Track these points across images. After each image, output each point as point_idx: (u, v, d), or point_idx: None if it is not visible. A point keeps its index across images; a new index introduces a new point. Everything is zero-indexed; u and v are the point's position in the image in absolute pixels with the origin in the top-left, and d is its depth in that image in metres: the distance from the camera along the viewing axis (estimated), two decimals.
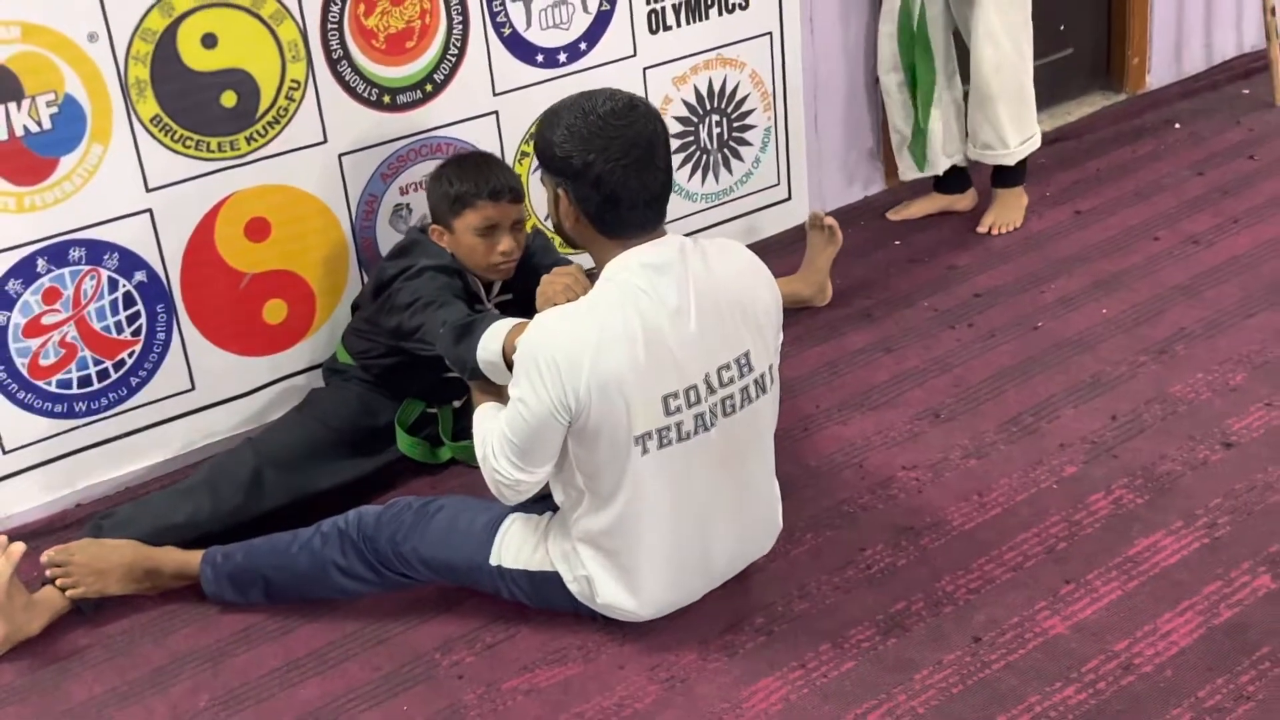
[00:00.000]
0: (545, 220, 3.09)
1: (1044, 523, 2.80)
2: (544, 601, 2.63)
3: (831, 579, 2.70)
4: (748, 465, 2.57)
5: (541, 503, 2.65)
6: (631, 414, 2.38)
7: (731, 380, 2.47)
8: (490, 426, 2.50)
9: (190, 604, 2.81)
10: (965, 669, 2.45)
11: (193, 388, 3.25)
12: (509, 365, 2.54)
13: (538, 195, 3.45)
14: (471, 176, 2.98)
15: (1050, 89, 4.59)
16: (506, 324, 2.63)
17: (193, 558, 2.80)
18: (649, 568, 2.52)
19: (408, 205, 3.41)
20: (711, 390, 2.45)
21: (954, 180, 4.12)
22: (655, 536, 2.50)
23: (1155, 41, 4.80)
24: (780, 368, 2.62)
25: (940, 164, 4.03)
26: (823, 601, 2.65)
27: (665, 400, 2.41)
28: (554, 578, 2.58)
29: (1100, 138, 4.56)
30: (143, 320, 3.15)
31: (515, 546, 2.61)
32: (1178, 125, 4.58)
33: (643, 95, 3.53)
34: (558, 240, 3.05)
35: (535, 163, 2.63)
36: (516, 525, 2.63)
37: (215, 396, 3.28)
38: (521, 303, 2.96)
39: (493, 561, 2.61)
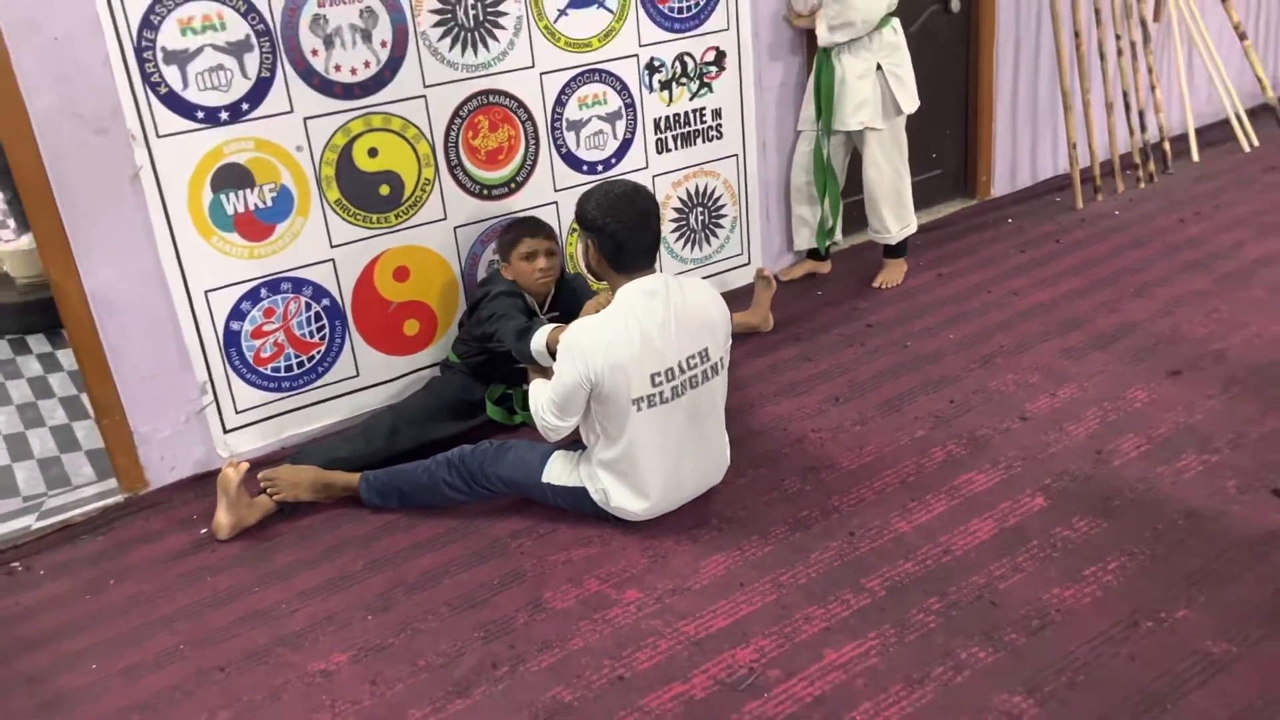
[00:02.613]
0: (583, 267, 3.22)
1: (900, 465, 2.89)
2: (577, 507, 2.73)
3: (761, 498, 2.80)
4: (706, 422, 2.66)
5: (575, 445, 2.77)
6: (631, 385, 2.50)
7: (695, 365, 2.58)
8: (540, 392, 2.63)
9: (352, 509, 2.91)
10: (842, 552, 2.56)
11: (357, 375, 3.32)
12: (551, 354, 2.67)
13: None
14: (519, 225, 3.12)
15: (926, 196, 4.67)
16: (549, 328, 2.77)
17: (354, 477, 2.90)
18: (644, 483, 2.62)
19: (496, 260, 3.45)
20: (682, 371, 2.56)
21: (821, 252, 4.18)
22: (647, 463, 2.60)
23: (997, 165, 4.84)
24: (731, 365, 2.69)
25: (814, 242, 4.13)
26: (755, 511, 2.75)
27: (652, 377, 2.52)
28: (583, 491, 2.69)
29: (958, 228, 4.60)
30: (327, 330, 3.23)
31: (559, 471, 2.72)
32: (1010, 220, 4.63)
33: (649, 188, 3.71)
34: (590, 280, 3.24)
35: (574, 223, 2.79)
36: (559, 457, 2.74)
37: (371, 381, 3.35)
38: (564, 318, 3.07)
39: (544, 480, 2.72)
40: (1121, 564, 2.45)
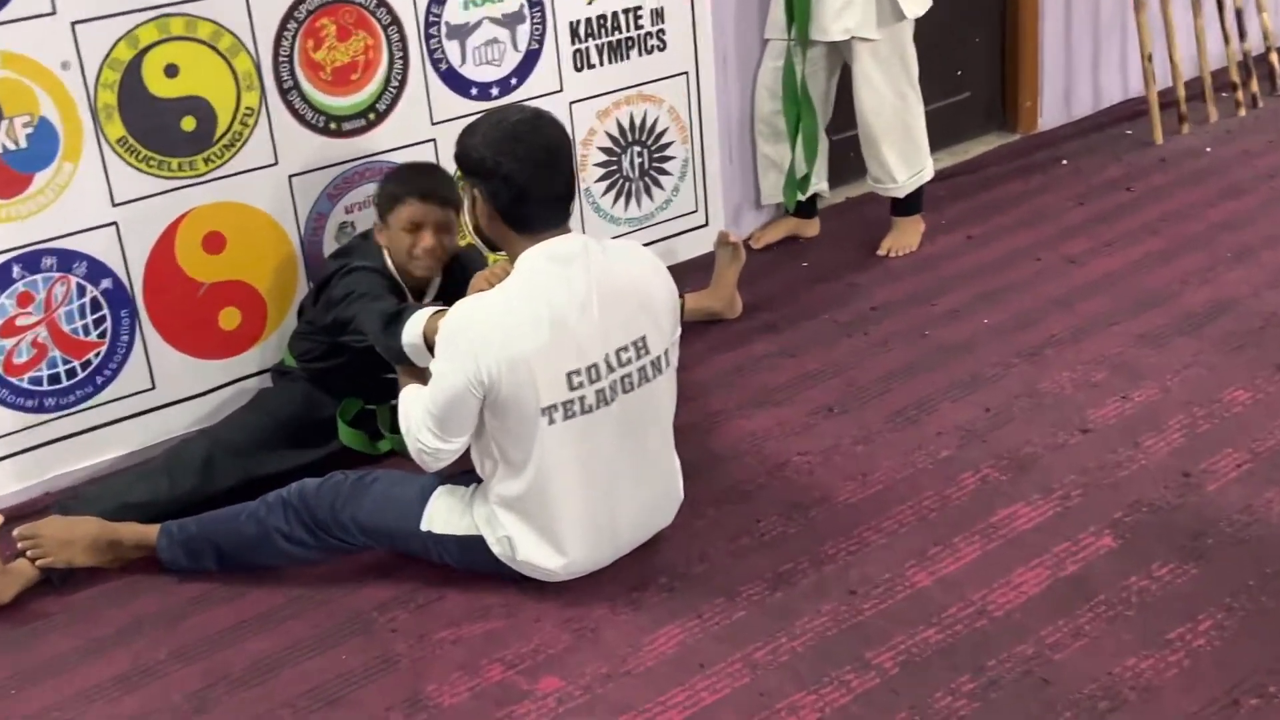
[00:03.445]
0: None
1: (918, 497, 2.95)
2: (470, 563, 2.74)
3: (729, 545, 2.84)
4: (647, 438, 2.70)
5: (467, 475, 2.77)
6: (538, 388, 2.52)
7: (629, 361, 2.61)
8: (415, 402, 2.63)
9: (151, 575, 2.87)
10: (840, 616, 2.61)
11: (153, 387, 3.29)
12: (430, 348, 2.67)
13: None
14: (408, 179, 3.11)
15: (948, 129, 4.73)
16: (428, 311, 2.76)
17: (151, 530, 2.87)
18: (562, 528, 2.63)
19: (352, 223, 3.47)
20: (611, 369, 2.59)
21: (805, 207, 4.23)
22: (565, 500, 2.61)
23: (1046, 87, 4.93)
24: (690, 371, 2.71)
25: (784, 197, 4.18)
26: (720, 563, 2.79)
27: (569, 376, 2.55)
28: (479, 541, 2.69)
29: (994, 173, 4.68)
30: (108, 324, 3.20)
31: (444, 514, 2.72)
32: (1065, 162, 4.73)
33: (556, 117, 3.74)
34: (485, 251, 3.24)
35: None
36: (444, 495, 2.74)
37: (174, 395, 3.32)
38: (452, 302, 2.98)
39: (423, 527, 2.72)
40: (1217, 622, 2.52)
